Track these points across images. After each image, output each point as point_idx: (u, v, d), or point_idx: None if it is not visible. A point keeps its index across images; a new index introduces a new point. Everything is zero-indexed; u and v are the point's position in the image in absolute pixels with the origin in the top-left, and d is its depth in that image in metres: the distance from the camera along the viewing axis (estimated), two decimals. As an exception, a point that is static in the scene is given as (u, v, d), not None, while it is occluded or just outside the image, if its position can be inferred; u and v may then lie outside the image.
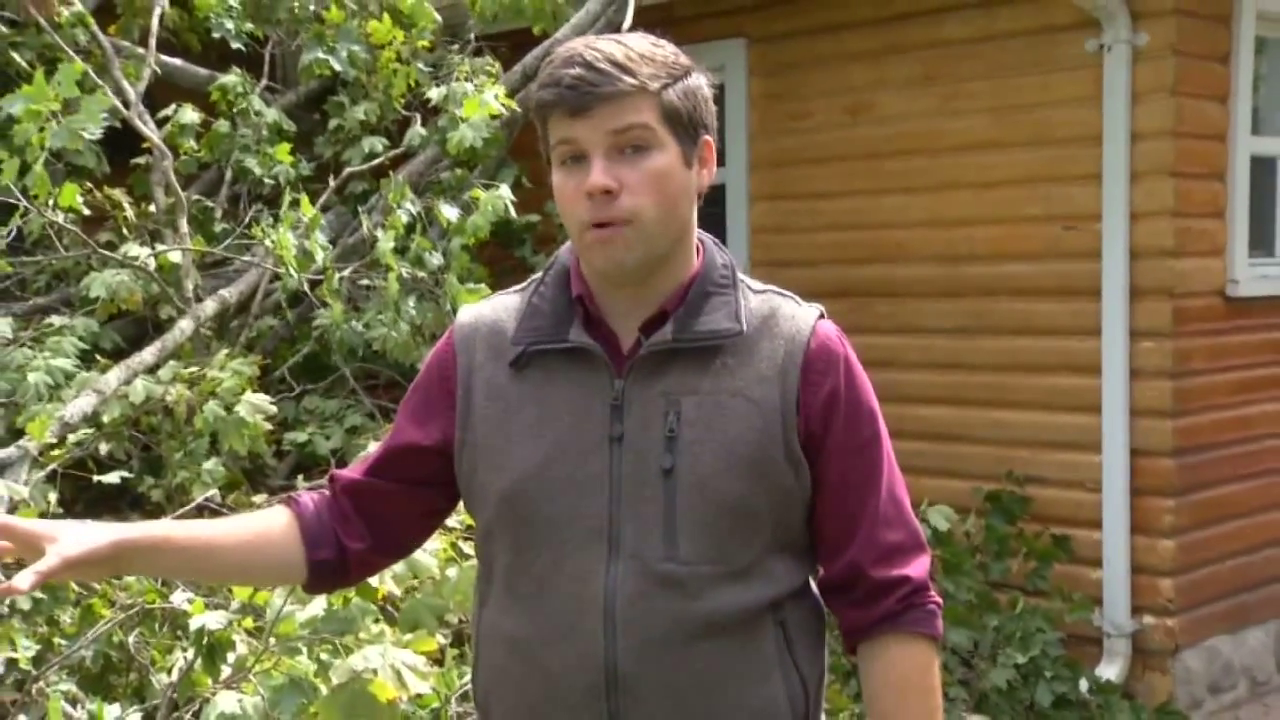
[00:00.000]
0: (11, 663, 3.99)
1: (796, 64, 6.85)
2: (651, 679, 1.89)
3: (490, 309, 2.10)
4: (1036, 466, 6.18)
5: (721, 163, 6.65)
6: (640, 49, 1.90)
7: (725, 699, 1.92)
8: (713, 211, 7.00)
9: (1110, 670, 5.88)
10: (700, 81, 1.96)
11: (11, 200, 5.32)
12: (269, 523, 2.08)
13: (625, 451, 1.92)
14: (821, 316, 2.01)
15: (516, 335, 2.02)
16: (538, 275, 2.10)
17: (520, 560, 1.98)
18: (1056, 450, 6.12)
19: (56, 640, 4.23)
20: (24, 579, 1.75)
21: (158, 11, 6.23)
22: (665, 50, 1.93)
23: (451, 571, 3.85)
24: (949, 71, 6.33)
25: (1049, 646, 5.81)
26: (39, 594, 4.28)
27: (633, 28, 6.16)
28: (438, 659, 3.71)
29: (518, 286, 2.13)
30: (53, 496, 4.74)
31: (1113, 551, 5.95)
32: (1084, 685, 5.77)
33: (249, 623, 3.89)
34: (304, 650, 3.31)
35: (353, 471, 2.15)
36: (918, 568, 1.99)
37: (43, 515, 4.61)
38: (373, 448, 2.32)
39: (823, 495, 1.97)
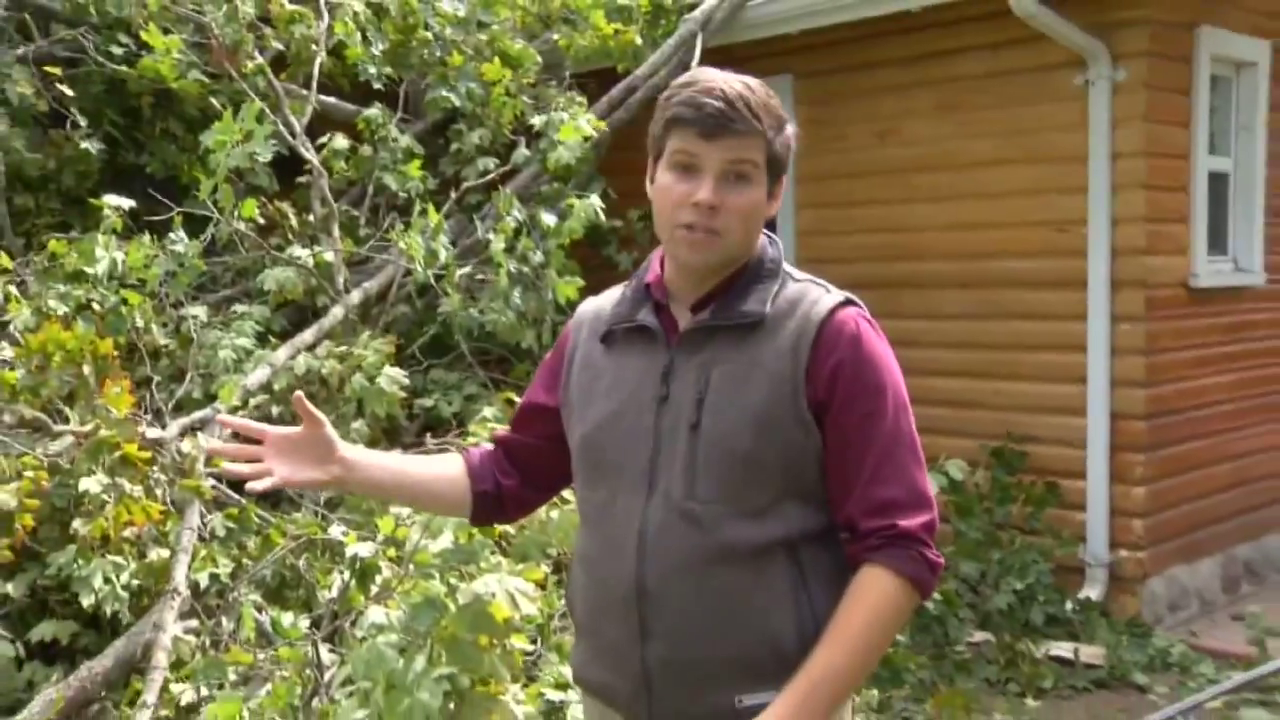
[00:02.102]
0: (214, 578, 4.24)
1: (835, 96, 6.95)
2: (670, 596, 1.93)
3: (604, 298, 2.19)
4: (1033, 428, 6.27)
5: (774, 175, 7.10)
6: (762, 97, 1.94)
7: (734, 620, 1.92)
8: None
9: (1091, 593, 5.99)
10: (792, 132, 2.00)
11: (206, 213, 5.56)
12: (447, 463, 2.25)
13: (667, 410, 1.96)
14: (846, 303, 1.99)
15: (609, 317, 2.11)
16: (639, 271, 2.16)
17: (590, 494, 2.07)
18: (1050, 414, 6.21)
19: (245, 561, 4.44)
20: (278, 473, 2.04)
21: (318, 61, 6.35)
22: (775, 102, 1.97)
23: (554, 514, 3.98)
24: (963, 102, 6.42)
25: (1042, 575, 5.94)
26: (230, 524, 4.64)
27: (699, 66, 6.59)
28: (542, 585, 3.75)
29: (626, 282, 2.18)
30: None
31: (1095, 498, 6.07)
32: (1069, 606, 5.90)
33: (392, 553, 4.01)
34: (436, 576, 3.36)
35: (505, 430, 2.31)
36: (910, 520, 1.90)
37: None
38: (494, 416, 2.49)
39: (828, 454, 1.95)
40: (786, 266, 2.04)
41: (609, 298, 2.17)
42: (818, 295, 1.99)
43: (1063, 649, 5.65)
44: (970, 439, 6.39)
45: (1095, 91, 5.93)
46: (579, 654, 2.16)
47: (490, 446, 2.29)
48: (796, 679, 1.86)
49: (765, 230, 2.06)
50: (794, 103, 7.06)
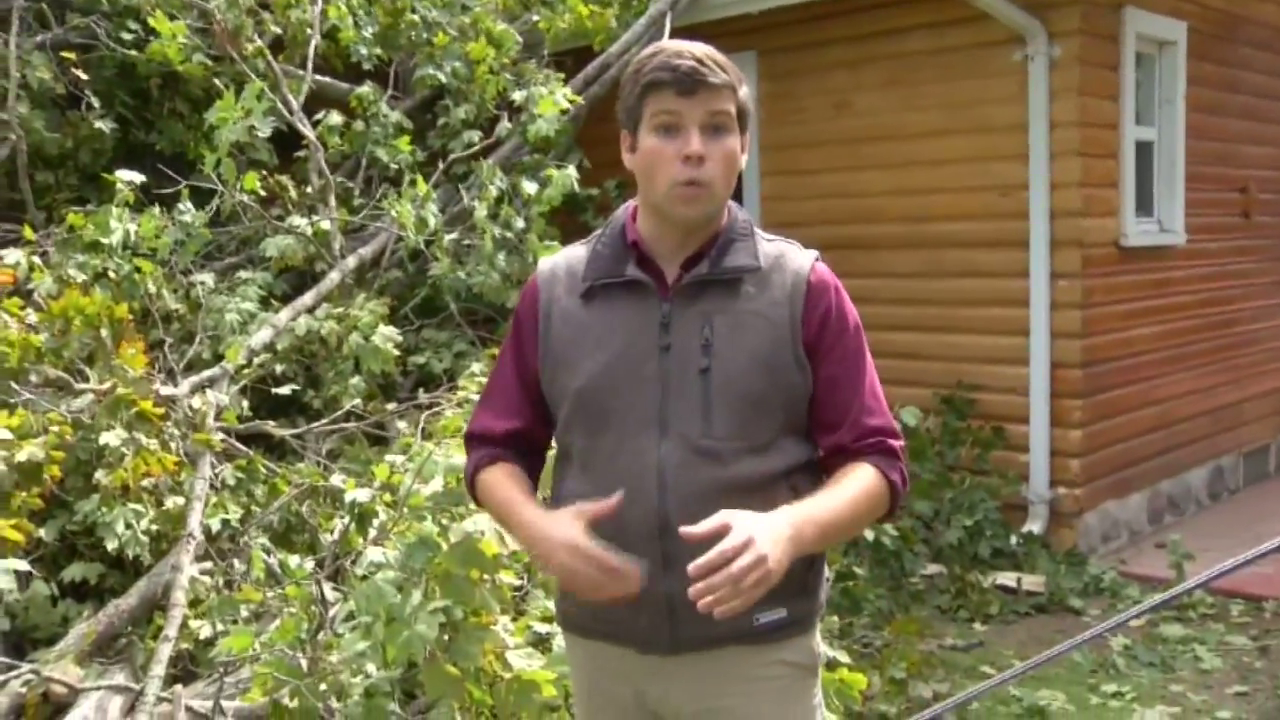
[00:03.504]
0: (225, 523, 4.29)
1: (794, 71, 6.96)
2: (693, 525, 1.87)
3: (564, 258, 2.14)
4: (980, 377, 6.35)
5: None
6: (721, 56, 1.96)
7: None
8: None
9: (1033, 527, 6.11)
10: (748, 91, 2.02)
11: (211, 186, 5.58)
12: (527, 482, 2.11)
13: (671, 357, 1.95)
14: (818, 258, 2.06)
15: (585, 274, 2.05)
16: (598, 231, 2.14)
17: (593, 442, 2.01)
18: (995, 365, 6.30)
19: (253, 508, 4.50)
20: None
21: (313, 44, 6.34)
22: (734, 66, 1.99)
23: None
24: (910, 77, 6.46)
25: (989, 512, 6.04)
26: (240, 474, 4.70)
27: None
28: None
29: (582, 241, 2.16)
30: (244, 403, 5.06)
31: (1037, 440, 6.15)
32: (1014, 540, 5.99)
33: (388, 498, 4.02)
34: (429, 517, 3.39)
35: (501, 421, 2.13)
36: (895, 441, 2.01)
37: (237, 418, 4.96)
38: (481, 371, 2.27)
39: (819, 389, 1.99)
40: (754, 227, 2.08)
41: (572, 256, 2.13)
42: (795, 252, 2.05)
43: (1007, 579, 5.75)
44: (922, 388, 6.45)
45: (1034, 67, 5.97)
46: (580, 600, 2.04)
47: (496, 450, 2.15)
48: (792, 507, 1.85)
49: (731, 200, 2.07)
50: (757, 77, 7.05)
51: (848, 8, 6.53)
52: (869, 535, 5.57)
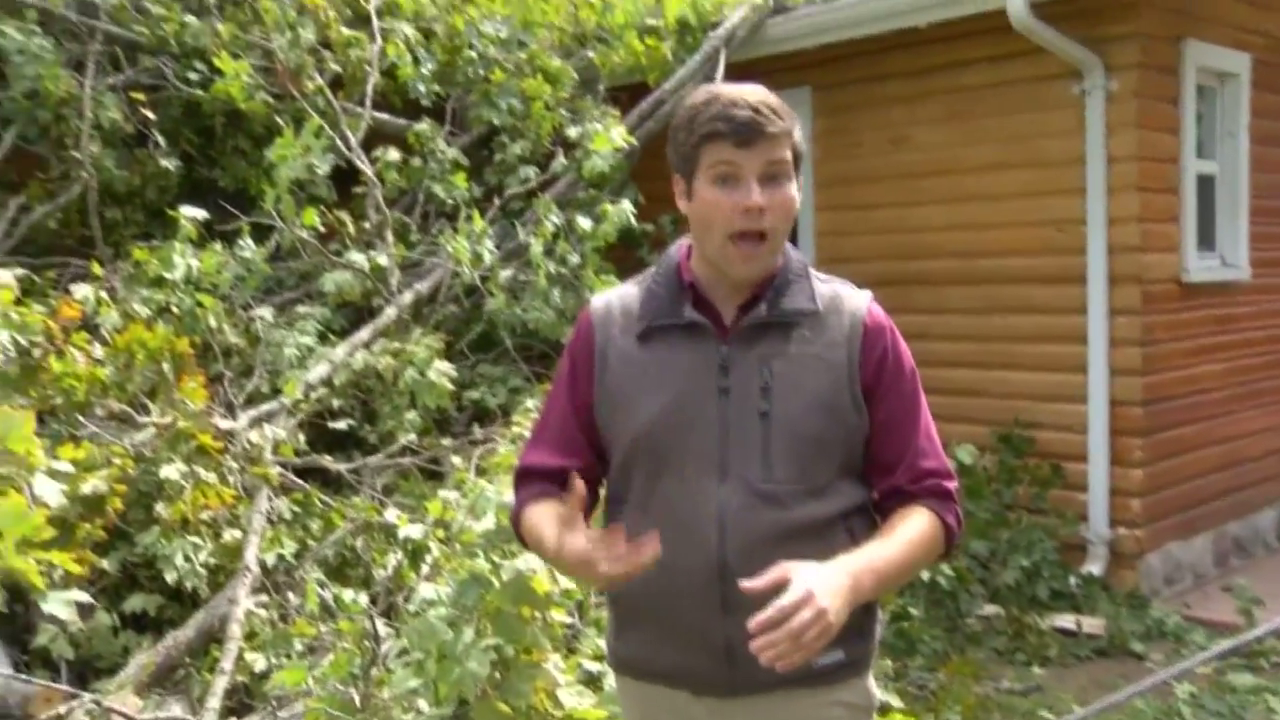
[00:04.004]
0: (280, 557, 4.37)
1: (850, 106, 6.97)
2: (753, 571, 1.84)
3: (618, 297, 2.12)
4: (1037, 414, 6.24)
5: (793, 179, 7.12)
6: (776, 101, 1.94)
7: None
8: None
9: (1093, 568, 5.97)
10: (801, 131, 2.01)
11: (272, 222, 5.71)
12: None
13: (731, 400, 1.94)
14: (873, 300, 2.06)
15: (641, 314, 2.04)
16: (650, 270, 2.12)
17: (651, 485, 1.99)
18: (1052, 402, 6.20)
19: (309, 542, 4.57)
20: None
21: (372, 81, 6.43)
22: (785, 105, 1.97)
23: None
24: (967, 110, 6.44)
25: (1047, 552, 5.93)
26: (296, 508, 4.81)
27: (723, 80, 6.46)
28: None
29: (634, 279, 2.15)
30: (300, 438, 5.12)
31: (1096, 479, 6.05)
32: (1073, 580, 5.88)
33: (441, 534, 4.07)
34: (481, 554, 3.38)
35: (553, 458, 2.11)
36: (950, 483, 2.03)
37: (294, 452, 5.04)
38: (536, 407, 2.27)
39: (875, 431, 2.00)
40: (809, 268, 2.08)
41: (627, 295, 2.11)
42: (850, 293, 2.06)
43: (1066, 621, 5.65)
44: (978, 425, 6.39)
45: (1090, 100, 5.93)
46: (635, 642, 2.08)
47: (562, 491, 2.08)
48: (850, 556, 1.85)
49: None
50: (812, 113, 7.08)
51: (904, 42, 6.53)
52: (924, 575, 5.52)
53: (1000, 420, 6.37)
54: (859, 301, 2.04)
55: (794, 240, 7.00)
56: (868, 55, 6.76)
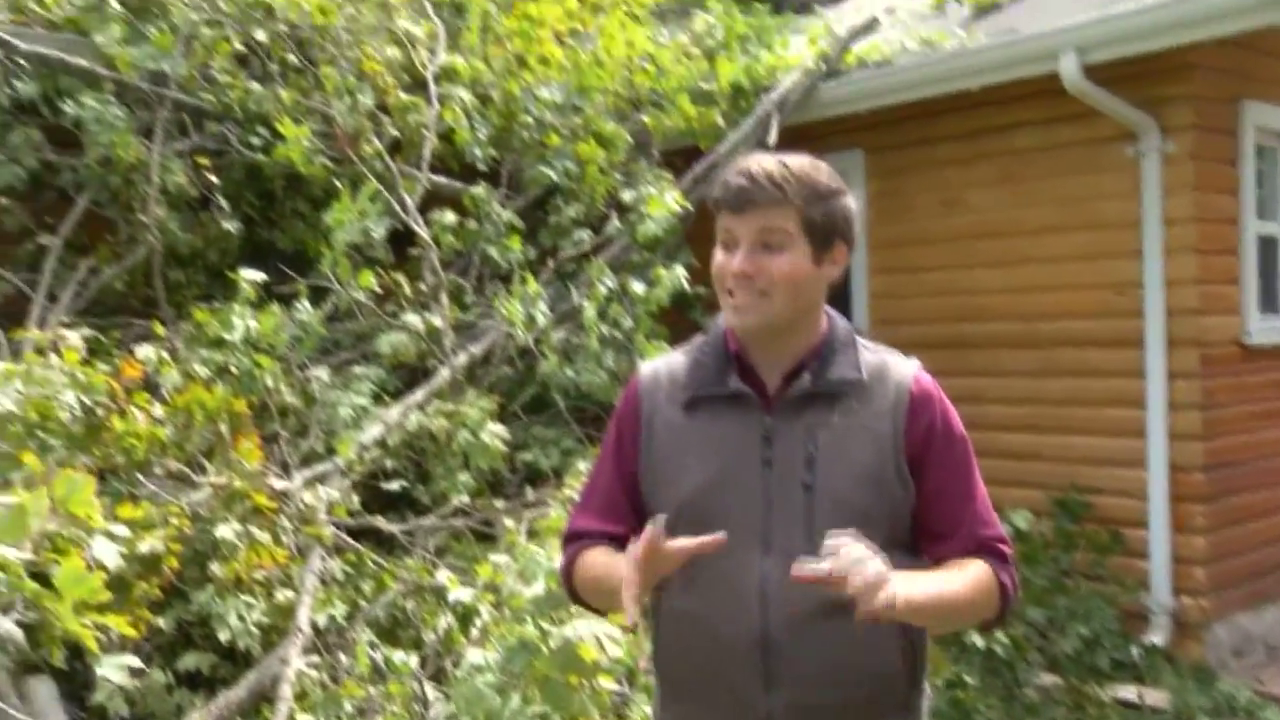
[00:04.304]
0: (332, 618, 4.38)
1: (903, 168, 6.99)
2: (796, 645, 1.91)
3: (665, 365, 2.14)
4: (1095, 479, 6.18)
5: (846, 242, 7.11)
6: (797, 169, 1.96)
7: (854, 663, 1.95)
8: (838, 283, 7.21)
9: (1156, 638, 5.86)
10: (845, 202, 2.02)
11: (329, 284, 5.79)
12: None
13: (774, 472, 1.95)
14: (920, 369, 2.07)
15: (686, 383, 2.06)
16: (698, 338, 2.15)
17: (696, 557, 1.94)
18: (1111, 467, 6.12)
19: (361, 603, 4.58)
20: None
21: (428, 145, 6.50)
22: (820, 173, 1.98)
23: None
24: (1021, 173, 6.44)
25: (1107, 621, 5.81)
26: (348, 568, 4.85)
27: (776, 143, 6.52)
28: (634, 629, 3.89)
29: (682, 347, 2.17)
30: (354, 498, 5.12)
31: (1157, 546, 5.95)
32: (1135, 651, 5.76)
33: (490, 598, 4.12)
34: (529, 620, 3.41)
35: (600, 523, 2.13)
36: (1008, 549, 2.04)
37: (347, 512, 5.08)
38: (588, 470, 2.33)
39: (926, 502, 1.99)
40: (856, 336, 2.11)
41: (674, 363, 2.14)
42: (897, 363, 2.07)
43: (1128, 692, 5.52)
44: (1034, 490, 6.32)
45: (1146, 163, 5.91)
46: (678, 713, 2.10)
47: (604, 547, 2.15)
48: (910, 575, 1.84)
49: (833, 309, 2.11)
50: (865, 176, 7.12)
51: (957, 105, 6.55)
52: (979, 642, 5.43)
53: (1057, 485, 6.30)
54: (906, 371, 2.05)
55: (848, 303, 7.10)
56: (920, 118, 6.78)
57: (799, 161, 2.00)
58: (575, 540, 2.18)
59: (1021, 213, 6.47)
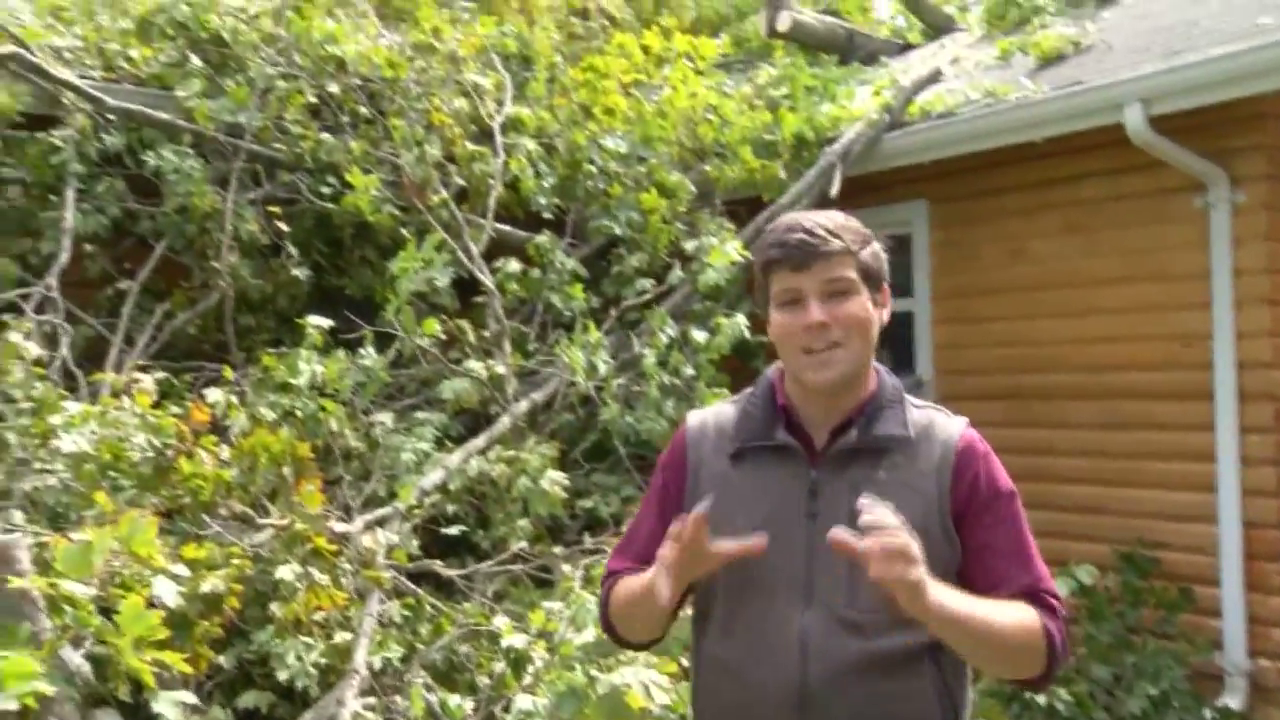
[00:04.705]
0: (388, 661, 4.43)
1: (967, 219, 6.97)
2: (834, 699, 1.92)
3: (713, 416, 2.18)
4: (1163, 534, 6.03)
5: (910, 294, 7.13)
6: (840, 221, 2.02)
7: (891, 713, 1.96)
8: (903, 333, 7.12)
9: (1231, 701, 5.67)
10: (879, 246, 2.07)
11: (393, 331, 5.90)
12: None
13: (818, 525, 1.94)
14: (967, 426, 2.08)
15: (734, 435, 2.10)
16: (747, 390, 2.19)
17: (736, 607, 2.02)
18: (1180, 522, 5.98)
19: (418, 646, 4.63)
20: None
21: (494, 194, 6.63)
22: (854, 223, 2.05)
23: (689, 611, 4.09)
24: (1087, 223, 6.37)
25: (1176, 681, 5.66)
26: (406, 612, 4.95)
27: (840, 194, 6.58)
28: (679, 677, 3.74)
29: (731, 399, 2.21)
30: (414, 542, 5.18)
31: (1230, 605, 5.78)
32: (1208, 713, 5.58)
33: (543, 644, 4.16)
34: (579, 667, 3.45)
35: (640, 567, 2.13)
36: (1060, 605, 2.02)
37: (407, 556, 5.15)
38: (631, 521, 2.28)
39: (973, 558, 2.00)
40: (904, 393, 2.12)
41: (722, 414, 2.16)
42: (944, 421, 2.08)
43: (1199, 755, 5.34)
44: (1099, 544, 6.18)
45: (1215, 214, 5.82)
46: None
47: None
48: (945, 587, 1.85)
49: (883, 366, 2.13)
50: (929, 226, 7.10)
51: (1021, 156, 6.52)
52: (1041, 700, 5.33)
53: (1123, 539, 6.16)
54: (952, 429, 2.06)
55: (911, 353, 7.07)
56: (984, 169, 6.75)
57: (835, 214, 2.06)
58: (613, 579, 2.21)
59: (1087, 263, 6.42)
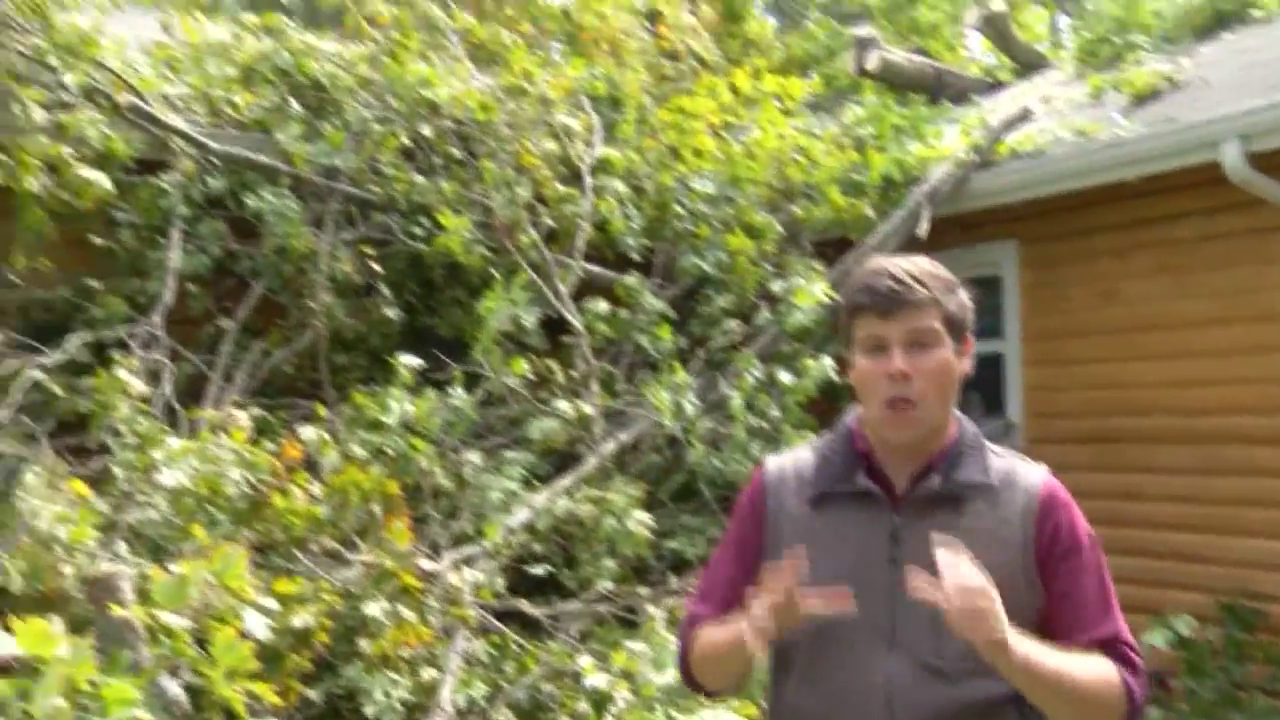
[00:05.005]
0: (472, 699, 4.50)
1: (1058, 259, 6.89)
2: None
3: (792, 462, 2.16)
4: (1270, 586, 5.85)
5: (1000, 335, 7.06)
6: (927, 269, 2.01)
7: None
8: (993, 375, 7.06)
9: (1342, 761, 5.42)
10: (965, 295, 2.06)
11: (482, 371, 6.01)
12: None
13: (901, 572, 1.93)
14: (1048, 474, 2.07)
15: (813, 480, 2.09)
16: (826, 435, 2.18)
17: (817, 654, 2.01)
18: (1286, 572, 5.79)
19: (502, 685, 4.68)
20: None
21: (583, 235, 6.72)
22: (942, 271, 2.03)
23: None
24: (1181, 264, 6.28)
25: (1288, 740, 5.40)
26: (492, 649, 5.01)
27: (928, 233, 6.60)
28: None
29: (809, 443, 2.21)
30: (500, 581, 5.24)
31: (1344, 663, 5.52)
32: (1320, 773, 5.34)
33: (625, 685, 4.20)
34: (659, 709, 3.48)
35: (721, 612, 2.13)
36: (1139, 659, 2.00)
37: (493, 595, 5.18)
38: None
39: (1053, 606, 1.99)
40: (983, 440, 2.11)
41: (801, 460, 2.16)
42: (1025, 468, 2.07)
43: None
44: (1197, 594, 6.02)
45: (1316, 254, 5.69)
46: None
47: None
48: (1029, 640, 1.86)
49: (961, 414, 2.12)
50: (1019, 266, 7.04)
51: (1113, 196, 6.43)
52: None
53: (1224, 589, 5.98)
54: (1034, 477, 2.06)
55: (1000, 395, 7.00)
56: (1076, 208, 6.69)
57: (923, 261, 2.06)
58: (694, 625, 2.20)
59: (1182, 305, 6.31)
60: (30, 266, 5.89)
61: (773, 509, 2.12)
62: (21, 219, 5.78)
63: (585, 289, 6.77)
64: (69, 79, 5.86)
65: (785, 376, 6.25)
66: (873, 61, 9.24)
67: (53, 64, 5.83)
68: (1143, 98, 6.90)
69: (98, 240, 6.23)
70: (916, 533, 1.97)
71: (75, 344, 5.76)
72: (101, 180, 5.86)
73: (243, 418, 5.28)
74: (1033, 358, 7.06)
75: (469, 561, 5.17)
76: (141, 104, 6.23)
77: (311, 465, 5.26)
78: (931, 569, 1.87)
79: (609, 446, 6.11)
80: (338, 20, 8.03)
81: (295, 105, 6.82)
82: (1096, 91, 7.44)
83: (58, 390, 5.59)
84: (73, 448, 5.44)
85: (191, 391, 6.06)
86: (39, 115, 5.59)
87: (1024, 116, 7.36)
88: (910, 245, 6.77)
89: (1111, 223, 6.60)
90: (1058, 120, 6.98)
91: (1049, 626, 1.99)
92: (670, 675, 3.51)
